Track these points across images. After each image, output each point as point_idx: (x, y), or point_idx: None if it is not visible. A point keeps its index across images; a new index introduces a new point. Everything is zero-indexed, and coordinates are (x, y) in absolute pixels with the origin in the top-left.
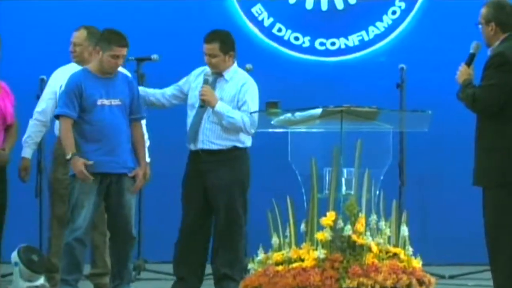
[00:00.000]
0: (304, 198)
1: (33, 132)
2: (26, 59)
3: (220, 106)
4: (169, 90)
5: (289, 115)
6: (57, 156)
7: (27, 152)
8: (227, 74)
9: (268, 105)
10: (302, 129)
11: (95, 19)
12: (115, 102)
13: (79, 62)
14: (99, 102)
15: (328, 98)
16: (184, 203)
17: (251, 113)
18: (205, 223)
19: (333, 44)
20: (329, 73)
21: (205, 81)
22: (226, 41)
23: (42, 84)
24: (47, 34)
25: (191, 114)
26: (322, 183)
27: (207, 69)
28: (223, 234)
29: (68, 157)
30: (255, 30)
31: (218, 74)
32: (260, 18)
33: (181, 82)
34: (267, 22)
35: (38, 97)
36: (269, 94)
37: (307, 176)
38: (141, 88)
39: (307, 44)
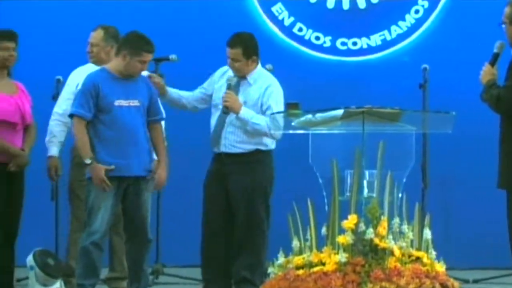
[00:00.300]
0: (325, 200)
1: (57, 131)
2: (42, 60)
3: (244, 113)
4: (196, 94)
5: (310, 116)
6: (75, 157)
7: (54, 150)
8: (250, 77)
9: (288, 106)
10: (323, 130)
11: (112, 18)
12: (134, 103)
13: (96, 62)
14: (116, 103)
15: (349, 99)
16: (205, 205)
17: (271, 113)
18: (227, 225)
19: (354, 44)
20: (350, 73)
21: (228, 86)
22: (249, 46)
23: (59, 84)
24: (63, 34)
25: (215, 114)
26: (344, 185)
27: (229, 72)
28: (244, 237)
29: (88, 162)
30: (275, 29)
31: (241, 77)
32: (280, 18)
33: (205, 84)
34: (287, 22)
35: (54, 98)
36: (289, 95)
37: (328, 179)
38: (174, 90)
39: (328, 44)
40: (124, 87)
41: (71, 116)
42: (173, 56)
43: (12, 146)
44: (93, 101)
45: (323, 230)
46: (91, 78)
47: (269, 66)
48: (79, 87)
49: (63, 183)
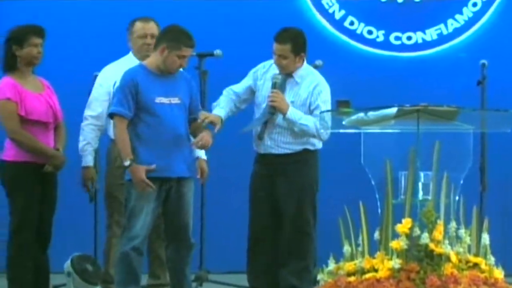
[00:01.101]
0: (378, 204)
1: (91, 138)
2: (78, 55)
3: (292, 113)
4: (242, 94)
5: (361, 114)
6: (114, 158)
7: (89, 160)
8: (297, 75)
9: (339, 104)
10: (375, 129)
11: (153, 13)
12: (174, 100)
13: (147, 56)
14: (157, 100)
15: (403, 97)
16: (252, 209)
17: (321, 112)
18: (274, 229)
19: (409, 38)
20: (405, 70)
21: (274, 85)
22: (298, 42)
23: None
24: (100, 29)
25: (258, 114)
26: (398, 187)
27: (273, 68)
28: (291, 242)
29: (127, 163)
30: (325, 23)
31: (287, 75)
32: (331, 11)
33: (248, 82)
34: (338, 15)
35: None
36: (340, 92)
37: (381, 180)
38: (222, 109)
39: (381, 38)
40: (163, 83)
41: (111, 115)
42: (217, 52)
43: (47, 146)
44: (133, 98)
45: (376, 234)
46: (129, 74)
47: (318, 62)
48: (117, 84)
49: (102, 185)
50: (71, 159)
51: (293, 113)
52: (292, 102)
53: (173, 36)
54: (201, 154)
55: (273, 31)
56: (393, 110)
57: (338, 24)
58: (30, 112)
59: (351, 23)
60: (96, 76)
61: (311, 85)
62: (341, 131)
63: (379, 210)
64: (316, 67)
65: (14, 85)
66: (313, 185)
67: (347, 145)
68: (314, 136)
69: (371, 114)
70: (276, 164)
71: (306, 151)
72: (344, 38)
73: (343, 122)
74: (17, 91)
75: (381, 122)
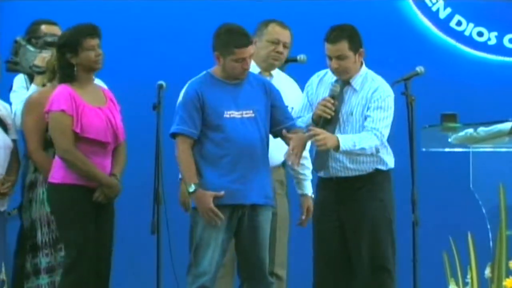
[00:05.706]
0: (490, 235)
1: None
2: (140, 62)
3: (344, 144)
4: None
5: (470, 130)
6: None
7: None
8: (355, 81)
9: (444, 118)
10: (487, 148)
11: (235, 16)
12: (248, 114)
13: (273, 66)
14: (226, 114)
15: None
16: (315, 243)
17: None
18: (344, 266)
19: None
20: None
21: (332, 93)
22: (354, 37)
23: (161, 91)
24: (166, 31)
25: None
26: None
27: (328, 76)
28: (369, 283)
29: (191, 190)
30: (428, 23)
31: (344, 82)
32: (434, 9)
33: (304, 101)
34: (443, 14)
35: (155, 108)
36: (445, 104)
37: (494, 208)
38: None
39: (493, 41)
40: (234, 94)
41: (173, 135)
42: (301, 57)
43: (101, 172)
44: (198, 114)
45: (487, 271)
46: (193, 86)
47: (419, 68)
48: (180, 99)
49: (165, 212)
50: (129, 183)
51: (345, 142)
52: (351, 113)
53: (221, 41)
54: (308, 190)
55: (365, 33)
56: (508, 125)
57: (443, 25)
58: (86, 129)
59: (458, 23)
60: (161, 85)
61: (370, 90)
62: (447, 150)
63: (491, 243)
64: (417, 74)
65: (71, 95)
66: (390, 211)
67: (453, 166)
68: (373, 153)
69: (482, 130)
70: (344, 190)
71: (378, 171)
72: (450, 40)
73: (449, 140)
74: (73, 103)
75: (493, 139)
